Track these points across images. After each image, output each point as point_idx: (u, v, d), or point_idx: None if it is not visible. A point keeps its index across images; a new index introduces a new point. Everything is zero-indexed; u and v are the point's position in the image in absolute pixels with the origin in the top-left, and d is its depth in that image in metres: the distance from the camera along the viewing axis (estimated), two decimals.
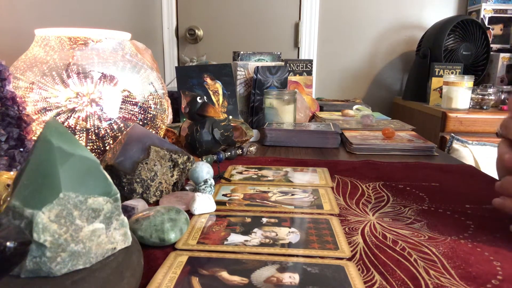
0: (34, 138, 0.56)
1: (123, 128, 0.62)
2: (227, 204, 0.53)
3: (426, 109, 1.77)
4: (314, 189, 0.59)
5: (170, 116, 0.94)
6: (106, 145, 0.61)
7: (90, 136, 0.60)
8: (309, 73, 1.38)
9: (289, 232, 0.44)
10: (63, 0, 1.18)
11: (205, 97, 0.72)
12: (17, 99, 0.52)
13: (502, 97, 1.73)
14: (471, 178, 0.67)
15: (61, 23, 1.16)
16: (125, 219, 0.35)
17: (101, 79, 0.60)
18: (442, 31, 1.85)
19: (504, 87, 1.80)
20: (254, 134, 0.94)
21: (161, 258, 0.38)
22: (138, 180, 0.51)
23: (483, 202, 0.55)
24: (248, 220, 0.47)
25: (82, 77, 0.59)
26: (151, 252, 0.40)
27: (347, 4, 2.22)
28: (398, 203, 0.54)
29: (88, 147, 0.60)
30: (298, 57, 2.28)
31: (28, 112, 0.56)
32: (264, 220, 0.47)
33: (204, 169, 0.57)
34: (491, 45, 1.98)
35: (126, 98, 0.63)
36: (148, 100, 0.66)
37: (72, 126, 0.58)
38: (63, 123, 0.58)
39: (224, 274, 0.35)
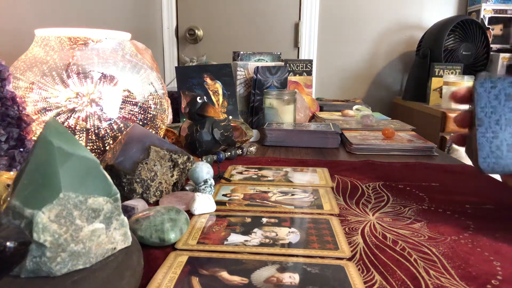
0: (34, 138, 0.56)
1: (123, 128, 0.62)
2: (227, 204, 0.53)
3: (426, 109, 1.77)
4: (314, 189, 0.59)
5: (170, 116, 0.94)
6: (106, 145, 0.61)
7: (90, 136, 0.60)
8: (309, 73, 1.38)
9: (289, 232, 0.44)
10: (63, 0, 1.18)
11: (205, 97, 0.72)
12: (17, 99, 0.52)
13: None
14: (471, 178, 0.67)
15: (61, 23, 1.16)
16: (125, 219, 0.35)
17: (101, 79, 0.60)
18: (442, 31, 1.85)
19: None
20: (254, 134, 0.94)
21: (161, 258, 0.38)
22: (138, 180, 0.51)
23: (483, 202, 0.55)
24: (248, 220, 0.47)
25: (82, 77, 0.59)
26: (151, 252, 0.40)
27: (347, 4, 2.21)
28: (398, 203, 0.54)
29: (88, 147, 0.60)
30: (298, 57, 2.28)
31: (28, 112, 0.56)
32: (264, 220, 0.47)
33: (204, 169, 0.57)
34: (491, 45, 1.98)
35: (126, 98, 0.63)
36: (148, 100, 0.66)
37: (72, 126, 0.58)
38: (63, 123, 0.58)
39: (224, 274, 0.35)
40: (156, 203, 0.53)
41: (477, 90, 0.41)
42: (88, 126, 0.59)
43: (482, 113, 0.40)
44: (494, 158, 0.40)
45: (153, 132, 0.67)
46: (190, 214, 0.49)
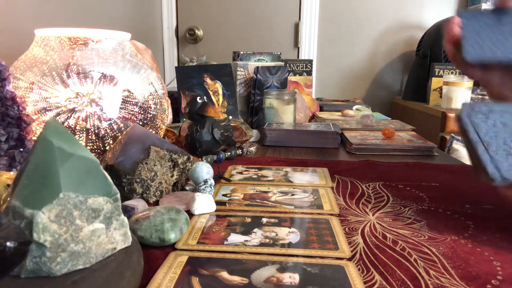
0: (34, 138, 0.56)
1: (123, 128, 0.62)
2: (227, 204, 0.53)
3: (426, 109, 1.77)
4: (314, 189, 0.59)
5: (170, 116, 0.94)
6: (106, 145, 0.61)
7: (90, 136, 0.60)
8: (309, 73, 1.38)
9: (289, 232, 0.44)
10: (63, 0, 1.18)
11: (205, 97, 0.72)
12: (17, 99, 0.52)
13: None
14: (471, 178, 0.67)
15: (61, 23, 1.16)
16: (125, 219, 0.35)
17: (101, 79, 0.60)
18: (442, 31, 1.85)
19: None
20: (254, 134, 0.94)
21: (161, 258, 0.38)
22: (138, 180, 0.51)
23: (483, 202, 0.55)
24: (248, 220, 0.47)
25: (82, 77, 0.59)
26: (151, 252, 0.40)
27: (347, 4, 2.21)
28: (398, 203, 0.54)
29: (88, 147, 0.60)
30: (298, 57, 2.28)
31: (28, 112, 0.56)
32: (264, 220, 0.47)
33: (204, 169, 0.57)
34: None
35: (126, 98, 0.63)
36: (148, 100, 0.66)
37: (72, 126, 0.58)
38: (63, 123, 0.58)
39: (224, 274, 0.35)
40: (156, 203, 0.53)
41: (474, 121, 0.43)
42: (88, 126, 0.59)
43: (487, 137, 0.43)
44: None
45: (153, 132, 0.67)
46: (190, 214, 0.49)
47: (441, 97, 1.73)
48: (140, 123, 0.65)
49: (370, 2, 2.20)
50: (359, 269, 0.36)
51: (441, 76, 1.75)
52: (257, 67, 1.13)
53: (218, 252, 0.39)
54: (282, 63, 1.26)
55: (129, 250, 0.34)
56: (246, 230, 0.44)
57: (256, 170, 0.69)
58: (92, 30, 0.61)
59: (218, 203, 0.53)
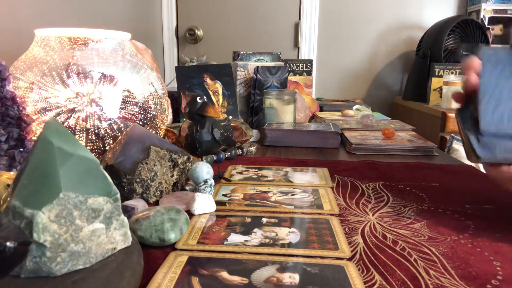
0: (34, 138, 0.56)
1: (123, 128, 0.62)
2: (227, 204, 0.53)
3: (426, 109, 1.77)
4: (314, 189, 0.59)
5: (170, 116, 0.94)
6: (106, 145, 0.61)
7: (90, 136, 0.60)
8: (309, 73, 1.38)
9: (289, 232, 0.44)
10: (63, 0, 1.18)
11: (205, 97, 0.72)
12: (17, 99, 0.52)
13: None
14: (471, 178, 0.67)
15: (61, 23, 1.16)
16: (125, 219, 0.35)
17: (101, 79, 0.60)
18: (442, 31, 1.85)
19: None
20: (254, 134, 0.94)
21: (161, 258, 0.38)
22: (138, 180, 0.51)
23: (483, 202, 0.55)
24: (248, 220, 0.47)
25: (82, 77, 0.59)
26: (151, 252, 0.40)
27: (347, 4, 2.21)
28: (398, 203, 0.54)
29: (88, 147, 0.60)
30: (298, 57, 2.27)
31: (28, 112, 0.56)
32: (264, 220, 0.47)
33: (204, 169, 0.57)
34: (491, 45, 1.98)
35: (126, 98, 0.63)
36: (148, 100, 0.66)
37: (72, 126, 0.58)
38: (63, 123, 0.58)
39: (224, 274, 0.35)
40: (156, 203, 0.53)
41: (483, 65, 0.44)
42: (88, 126, 0.59)
43: (486, 84, 0.43)
44: (495, 125, 0.43)
45: (153, 132, 0.67)
46: (190, 214, 0.49)
47: (441, 97, 1.73)
48: (140, 123, 0.65)
49: (370, 2, 2.20)
50: (359, 269, 0.36)
51: (441, 76, 1.75)
52: (257, 67, 1.13)
53: (218, 252, 0.39)
54: (282, 63, 1.26)
55: (129, 250, 0.34)
56: (246, 230, 0.44)
57: (256, 170, 0.69)
58: (92, 30, 0.61)
59: (218, 203, 0.53)
